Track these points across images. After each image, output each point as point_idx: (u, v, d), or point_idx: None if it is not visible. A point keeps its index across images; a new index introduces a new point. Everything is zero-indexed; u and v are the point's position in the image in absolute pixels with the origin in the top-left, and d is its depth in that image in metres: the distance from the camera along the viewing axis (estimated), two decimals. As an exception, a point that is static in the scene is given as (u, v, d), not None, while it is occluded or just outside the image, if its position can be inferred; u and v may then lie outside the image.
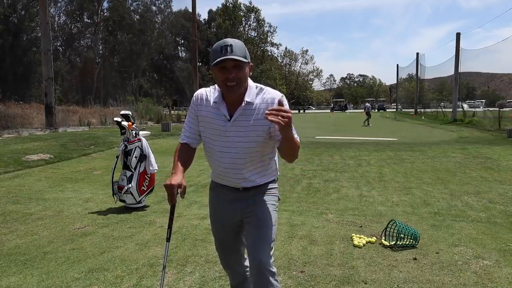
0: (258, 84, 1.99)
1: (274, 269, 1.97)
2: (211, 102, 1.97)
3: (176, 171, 1.97)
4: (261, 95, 1.94)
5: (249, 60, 1.89)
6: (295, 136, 1.85)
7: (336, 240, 3.90)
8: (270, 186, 2.11)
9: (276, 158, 2.14)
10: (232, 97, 1.91)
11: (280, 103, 1.71)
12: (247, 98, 1.91)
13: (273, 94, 1.93)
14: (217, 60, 1.79)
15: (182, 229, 4.30)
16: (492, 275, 3.10)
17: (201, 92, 2.04)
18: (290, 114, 1.66)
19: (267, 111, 1.67)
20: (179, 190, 1.91)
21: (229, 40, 1.83)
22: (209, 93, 2.01)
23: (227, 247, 2.23)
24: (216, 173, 2.11)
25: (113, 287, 2.97)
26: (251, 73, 1.95)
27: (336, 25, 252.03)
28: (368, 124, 25.60)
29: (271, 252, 1.98)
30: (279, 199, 2.18)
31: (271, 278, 1.93)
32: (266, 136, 1.95)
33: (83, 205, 5.36)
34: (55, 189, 6.31)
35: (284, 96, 1.95)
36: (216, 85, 2.01)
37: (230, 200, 2.08)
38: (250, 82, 1.96)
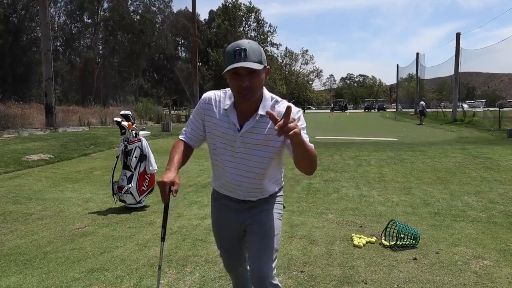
0: (274, 96, 1.88)
1: (276, 281, 1.91)
2: (221, 108, 1.87)
3: (170, 168, 1.83)
4: (276, 108, 1.81)
5: (265, 64, 1.75)
6: (309, 144, 1.69)
7: (336, 240, 3.90)
8: (276, 193, 2.04)
9: (283, 168, 2.06)
10: (245, 105, 1.79)
11: (288, 111, 1.50)
12: (261, 111, 1.79)
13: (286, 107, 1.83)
14: (229, 67, 1.67)
15: (182, 229, 4.30)
16: (492, 275, 3.10)
17: (210, 95, 1.93)
18: (293, 124, 1.49)
19: (276, 127, 1.49)
20: (172, 188, 1.77)
21: (244, 43, 1.70)
22: (219, 97, 1.90)
23: (231, 254, 2.19)
24: (219, 183, 2.01)
25: (113, 287, 2.97)
26: (267, 78, 1.82)
27: (336, 25, 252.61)
28: (421, 123, 25.56)
29: (274, 264, 1.90)
30: (284, 207, 2.10)
31: None
32: (278, 151, 1.85)
33: (83, 205, 5.36)
34: (55, 189, 6.31)
35: (301, 110, 1.86)
36: (226, 89, 1.91)
37: (233, 211, 2.01)
38: (265, 92, 1.84)
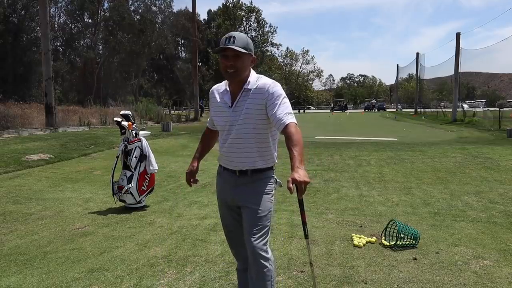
0: (259, 75, 2.23)
1: (269, 254, 2.16)
2: (220, 93, 2.28)
3: (192, 159, 2.56)
4: (257, 83, 2.17)
5: (252, 53, 2.14)
6: (292, 121, 2.03)
7: (336, 240, 3.90)
8: (266, 174, 2.26)
9: (275, 146, 2.29)
10: (235, 84, 2.17)
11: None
12: (246, 86, 2.16)
13: (264, 80, 2.17)
14: (218, 48, 2.08)
15: (182, 229, 4.30)
16: (492, 275, 3.10)
17: (213, 87, 2.36)
18: (305, 183, 1.84)
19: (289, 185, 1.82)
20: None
21: (234, 33, 2.10)
22: (219, 86, 2.32)
23: (231, 229, 2.37)
24: (221, 153, 2.30)
25: (113, 287, 2.97)
26: (253, 64, 2.18)
27: (336, 24, 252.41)
28: None
29: (265, 238, 2.16)
30: (280, 185, 2.36)
31: (264, 262, 2.12)
32: (264, 119, 2.14)
33: (83, 205, 5.36)
34: (55, 189, 6.31)
35: (274, 82, 2.16)
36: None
37: (231, 185, 2.27)
38: (252, 73, 2.20)
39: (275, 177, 2.33)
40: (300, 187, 1.83)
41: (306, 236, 2.09)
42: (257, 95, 2.12)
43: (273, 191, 2.29)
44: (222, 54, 2.09)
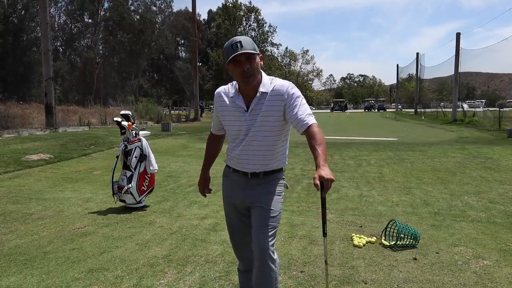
0: (271, 76, 2.19)
1: (275, 256, 2.15)
2: (229, 97, 2.19)
3: (202, 169, 2.51)
4: (272, 85, 2.13)
5: (258, 52, 2.09)
6: (314, 123, 2.04)
7: (336, 240, 3.91)
8: (277, 176, 2.25)
9: (287, 148, 2.29)
10: (249, 88, 2.10)
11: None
12: (261, 89, 2.10)
13: (281, 82, 2.14)
14: (231, 56, 1.99)
15: (182, 229, 4.30)
16: (492, 275, 3.10)
17: (219, 90, 2.27)
18: (331, 181, 1.87)
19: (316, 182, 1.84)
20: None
21: (238, 38, 2.04)
22: (227, 89, 2.23)
23: (237, 230, 2.35)
24: (231, 156, 2.26)
25: (113, 287, 2.97)
26: (262, 62, 2.13)
27: (336, 24, 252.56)
28: None
29: (274, 238, 2.15)
30: (287, 187, 2.33)
31: (270, 263, 2.12)
32: (281, 120, 2.11)
33: (83, 205, 5.36)
34: (55, 189, 6.31)
35: (291, 83, 2.14)
36: (233, 82, 2.21)
37: (240, 187, 2.25)
38: (264, 75, 2.16)
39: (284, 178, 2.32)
40: (327, 184, 1.86)
41: (324, 234, 2.10)
42: (276, 97, 2.08)
43: (283, 192, 2.28)
44: (235, 61, 2.02)
